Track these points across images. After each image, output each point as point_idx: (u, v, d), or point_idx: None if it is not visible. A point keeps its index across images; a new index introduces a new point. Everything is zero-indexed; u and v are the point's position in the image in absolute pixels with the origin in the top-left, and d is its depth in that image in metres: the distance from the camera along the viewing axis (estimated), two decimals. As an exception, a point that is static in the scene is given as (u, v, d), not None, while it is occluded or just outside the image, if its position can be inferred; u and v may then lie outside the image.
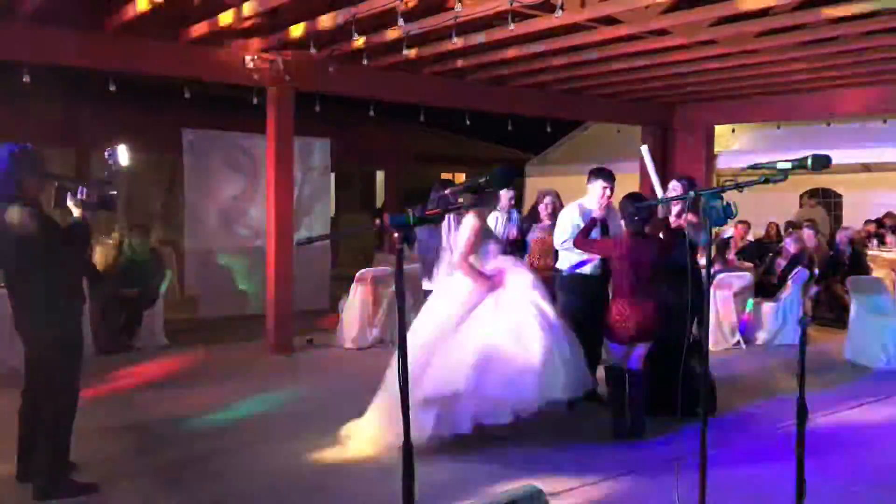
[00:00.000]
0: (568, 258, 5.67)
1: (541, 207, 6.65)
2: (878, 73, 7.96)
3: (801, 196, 14.06)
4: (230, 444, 4.90)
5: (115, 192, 4.13)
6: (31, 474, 4.02)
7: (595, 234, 5.42)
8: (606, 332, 5.04)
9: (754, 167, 3.12)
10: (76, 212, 3.97)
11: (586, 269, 5.59)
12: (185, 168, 9.34)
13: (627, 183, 10.49)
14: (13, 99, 9.18)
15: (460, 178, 18.33)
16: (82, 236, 4.05)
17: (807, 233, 9.72)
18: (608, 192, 5.52)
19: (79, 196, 3.92)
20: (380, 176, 18.95)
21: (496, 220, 6.89)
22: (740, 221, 10.52)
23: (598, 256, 5.45)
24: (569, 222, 5.57)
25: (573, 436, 5.01)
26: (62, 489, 4.00)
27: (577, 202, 5.67)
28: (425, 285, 6.15)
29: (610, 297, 5.37)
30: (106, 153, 4.05)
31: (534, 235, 6.61)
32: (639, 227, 4.93)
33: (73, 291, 4.11)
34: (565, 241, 5.53)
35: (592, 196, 5.58)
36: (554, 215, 6.59)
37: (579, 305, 5.48)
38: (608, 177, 5.54)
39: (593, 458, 4.55)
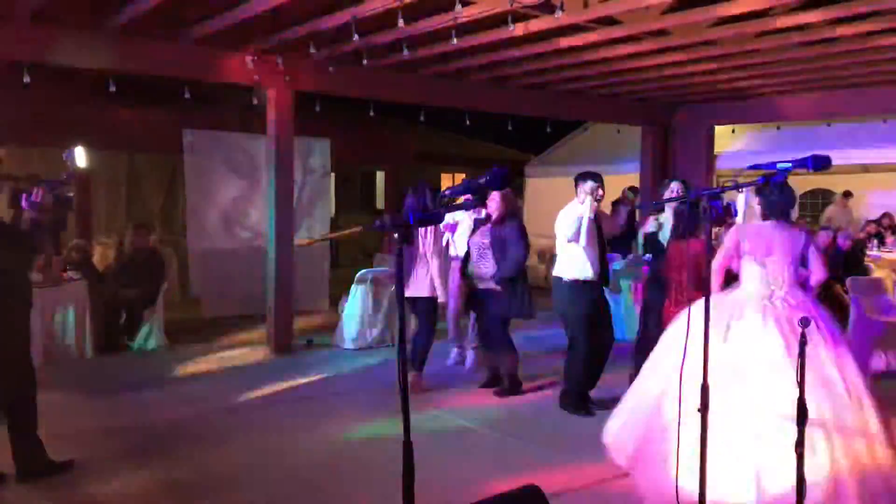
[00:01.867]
0: (570, 264, 5.44)
1: (489, 202, 5.94)
2: (877, 74, 7.96)
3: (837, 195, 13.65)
4: (229, 445, 4.90)
5: (72, 194, 4.13)
6: (14, 460, 4.11)
7: (586, 229, 5.28)
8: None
9: (754, 167, 3.13)
10: (28, 213, 3.93)
11: (588, 274, 5.41)
12: (186, 168, 9.33)
13: (627, 183, 10.50)
14: (12, 99, 9.18)
15: (460, 178, 18.35)
16: (30, 237, 4.02)
17: (821, 234, 9.67)
18: (601, 192, 5.38)
19: (33, 197, 3.89)
20: (380, 176, 18.97)
21: (464, 221, 6.70)
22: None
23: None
24: (573, 218, 5.34)
25: (573, 435, 5.00)
26: (41, 469, 4.12)
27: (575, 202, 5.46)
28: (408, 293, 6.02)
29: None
30: (64, 154, 4.06)
31: (475, 239, 6.10)
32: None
33: (15, 293, 4.10)
34: (570, 238, 5.33)
35: (583, 198, 5.36)
36: (512, 211, 6.21)
37: (586, 312, 5.43)
38: (597, 178, 5.41)
39: (593, 458, 4.54)
